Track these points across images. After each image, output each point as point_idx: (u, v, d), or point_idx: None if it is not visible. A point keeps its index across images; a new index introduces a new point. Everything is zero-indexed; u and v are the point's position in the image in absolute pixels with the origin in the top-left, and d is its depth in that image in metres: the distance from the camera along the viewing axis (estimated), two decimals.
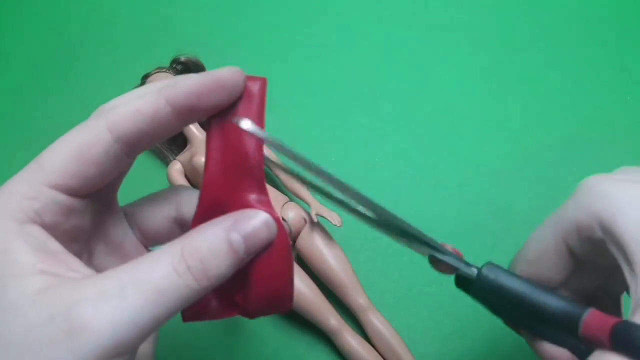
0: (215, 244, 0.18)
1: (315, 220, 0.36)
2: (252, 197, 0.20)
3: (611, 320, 0.19)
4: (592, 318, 0.20)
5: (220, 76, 0.19)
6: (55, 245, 0.18)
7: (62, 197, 0.18)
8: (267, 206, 0.20)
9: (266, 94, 0.21)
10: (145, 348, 0.22)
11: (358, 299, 0.35)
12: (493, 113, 0.46)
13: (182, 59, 0.43)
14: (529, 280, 0.22)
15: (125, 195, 0.24)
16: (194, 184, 0.39)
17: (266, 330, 0.37)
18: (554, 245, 0.22)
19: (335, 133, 0.44)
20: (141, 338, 0.16)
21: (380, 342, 0.34)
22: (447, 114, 0.46)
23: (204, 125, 0.41)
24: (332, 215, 0.36)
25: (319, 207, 0.37)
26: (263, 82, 0.21)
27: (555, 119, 0.45)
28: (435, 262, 0.23)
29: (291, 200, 0.38)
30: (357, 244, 0.40)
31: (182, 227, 0.23)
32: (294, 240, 0.37)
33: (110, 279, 0.17)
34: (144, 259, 0.17)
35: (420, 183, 0.42)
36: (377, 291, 0.37)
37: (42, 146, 0.50)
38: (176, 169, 0.39)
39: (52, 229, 0.18)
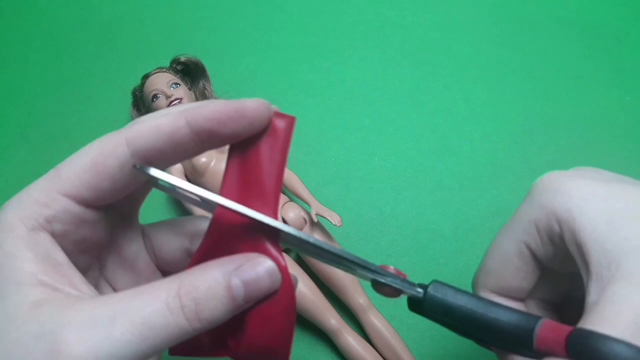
0: (213, 286, 0.17)
1: (315, 220, 0.36)
2: (264, 240, 0.19)
3: (565, 329, 0.18)
4: (545, 330, 0.18)
5: (244, 106, 0.18)
6: (60, 257, 0.18)
7: (75, 207, 0.18)
8: (277, 252, 0.19)
9: (292, 133, 0.20)
10: None
11: (358, 299, 0.35)
12: (493, 113, 0.46)
13: (182, 59, 0.43)
14: (478, 296, 0.21)
15: None
16: (193, 184, 0.39)
17: None
18: (516, 251, 0.21)
19: (335, 133, 0.44)
20: None
21: (380, 341, 0.34)
22: (447, 114, 0.46)
23: None
24: (332, 215, 0.36)
25: (319, 207, 0.37)
26: (291, 120, 0.20)
27: (555, 119, 0.45)
28: (378, 286, 0.21)
29: (291, 200, 0.38)
30: (357, 243, 0.40)
31: None
32: None
33: (102, 306, 0.16)
34: (139, 291, 0.17)
35: (420, 183, 0.42)
36: None
37: (41, 146, 0.50)
38: (176, 168, 0.39)
39: (61, 238, 0.18)
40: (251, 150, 0.19)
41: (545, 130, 0.45)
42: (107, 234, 0.21)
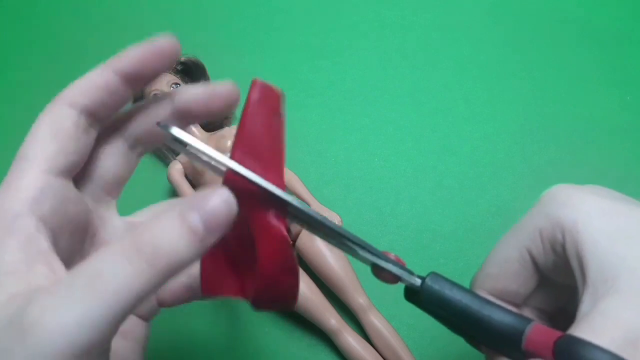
0: (168, 227, 0.16)
1: None
2: (269, 209, 0.19)
3: (554, 334, 0.18)
4: (535, 332, 0.19)
5: (157, 43, 0.21)
6: (44, 245, 0.18)
7: (55, 180, 0.19)
8: (280, 222, 0.20)
9: (279, 103, 0.22)
10: (130, 353, 0.22)
11: (358, 299, 0.35)
12: (493, 113, 0.46)
13: (182, 59, 0.43)
14: (474, 293, 0.21)
15: (126, 194, 0.24)
16: (194, 184, 0.39)
17: (266, 330, 0.37)
18: (517, 255, 0.22)
19: (335, 133, 0.44)
20: (100, 336, 0.15)
21: (380, 342, 0.34)
22: (447, 113, 0.46)
23: (205, 126, 0.41)
24: (332, 215, 0.36)
25: (319, 207, 0.37)
26: (273, 91, 0.21)
27: (556, 119, 0.45)
28: (378, 271, 0.22)
29: None
30: None
31: None
32: (294, 240, 0.37)
33: (64, 277, 0.16)
34: (96, 253, 0.16)
35: (420, 183, 0.42)
36: (377, 291, 0.37)
37: None
38: (177, 169, 0.39)
39: (49, 218, 0.18)
40: (246, 124, 0.20)
41: (546, 130, 0.45)
42: (90, 218, 0.21)
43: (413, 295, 0.22)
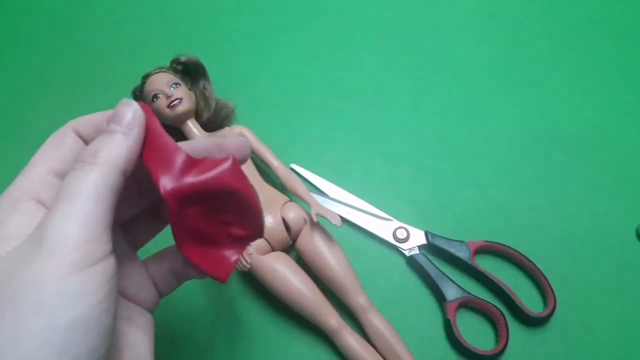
0: (98, 139, 0.21)
1: (316, 220, 0.36)
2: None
3: None
4: None
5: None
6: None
7: (52, 179, 0.22)
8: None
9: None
10: (140, 342, 0.23)
11: (358, 299, 0.35)
12: (493, 113, 0.46)
13: (182, 59, 0.43)
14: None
15: None
16: None
17: (267, 330, 0.37)
18: None
19: (335, 133, 0.44)
20: (89, 230, 0.18)
21: (380, 342, 0.34)
22: (447, 113, 0.46)
23: (205, 126, 0.41)
24: (332, 215, 0.36)
25: (319, 207, 0.36)
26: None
27: (556, 119, 0.45)
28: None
29: (291, 200, 0.38)
30: (357, 244, 0.40)
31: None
32: (294, 240, 0.37)
33: (54, 203, 0.19)
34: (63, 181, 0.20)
35: (420, 183, 0.42)
36: (377, 291, 0.37)
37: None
38: None
39: (47, 205, 0.21)
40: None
41: (546, 129, 0.45)
42: None
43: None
